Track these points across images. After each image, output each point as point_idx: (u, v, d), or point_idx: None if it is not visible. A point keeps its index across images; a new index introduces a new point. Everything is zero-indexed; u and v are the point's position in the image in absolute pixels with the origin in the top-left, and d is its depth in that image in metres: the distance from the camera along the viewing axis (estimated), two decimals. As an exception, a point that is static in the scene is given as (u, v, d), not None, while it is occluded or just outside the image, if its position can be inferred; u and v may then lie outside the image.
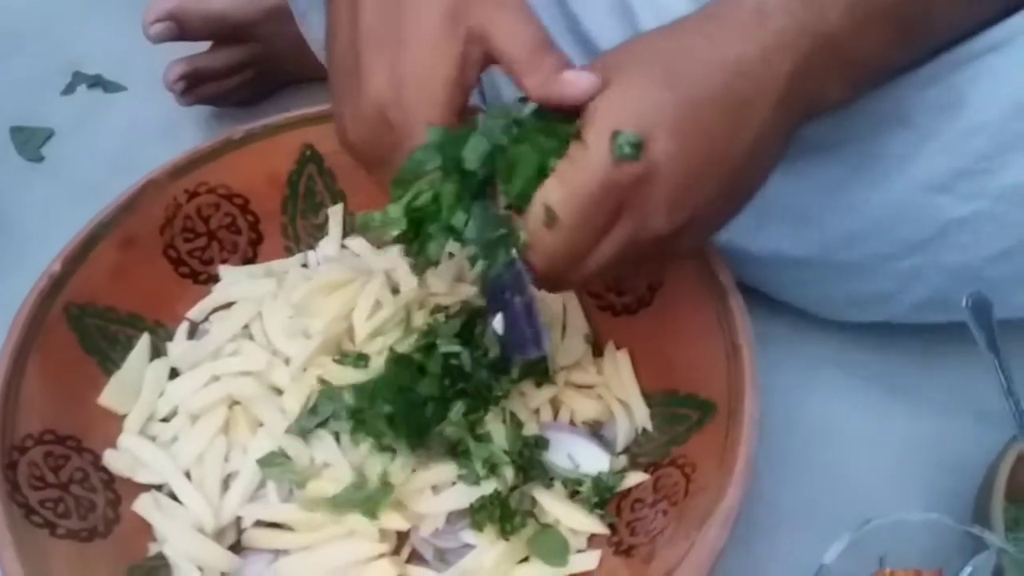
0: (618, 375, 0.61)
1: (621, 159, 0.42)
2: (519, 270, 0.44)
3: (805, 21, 0.45)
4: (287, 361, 0.59)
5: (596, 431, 0.60)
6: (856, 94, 0.50)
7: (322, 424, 0.56)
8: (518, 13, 0.45)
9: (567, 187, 0.43)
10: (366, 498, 0.53)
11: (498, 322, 0.44)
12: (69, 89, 0.89)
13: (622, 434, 0.59)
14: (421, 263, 0.48)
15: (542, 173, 0.44)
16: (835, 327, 0.68)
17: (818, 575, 0.49)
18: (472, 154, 0.45)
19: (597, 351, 0.63)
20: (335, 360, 0.59)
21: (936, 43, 0.53)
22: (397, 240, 0.47)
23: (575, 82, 0.44)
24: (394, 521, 0.53)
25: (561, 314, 0.63)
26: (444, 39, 0.45)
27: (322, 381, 0.57)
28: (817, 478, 0.62)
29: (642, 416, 0.59)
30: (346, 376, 0.58)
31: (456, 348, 0.56)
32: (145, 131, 0.85)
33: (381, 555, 0.53)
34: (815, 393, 0.66)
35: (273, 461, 0.55)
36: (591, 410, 0.60)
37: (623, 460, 0.58)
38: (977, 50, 0.52)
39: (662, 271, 0.60)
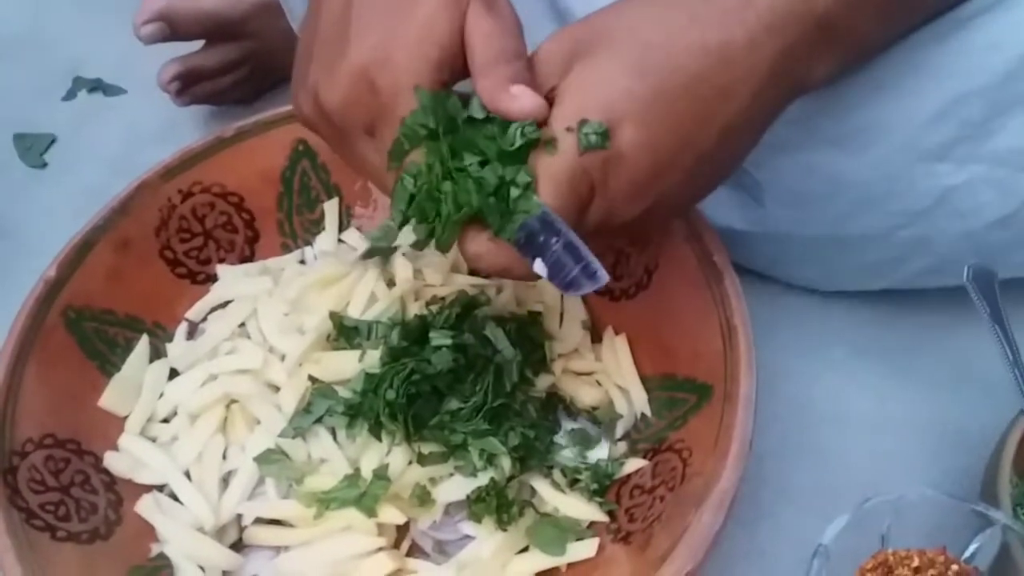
0: (616, 361, 0.60)
1: (587, 148, 0.42)
2: (545, 214, 0.43)
3: (795, 1, 0.44)
4: (283, 358, 0.59)
5: (595, 418, 0.59)
6: (844, 69, 0.50)
7: (317, 420, 0.56)
8: (502, 22, 0.44)
9: (542, 172, 0.43)
10: (363, 494, 0.53)
11: (539, 267, 0.43)
12: (70, 95, 0.89)
13: (621, 420, 0.58)
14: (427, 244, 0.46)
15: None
16: (842, 307, 0.67)
17: (816, 555, 0.48)
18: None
19: (596, 337, 0.63)
20: (332, 340, 0.59)
21: (927, 15, 0.52)
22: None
23: (518, 98, 0.43)
24: (391, 515, 0.53)
25: (558, 301, 0.63)
26: (445, 10, 0.44)
27: (313, 380, 0.57)
28: (824, 458, 0.62)
29: (641, 402, 0.59)
30: (343, 368, 0.58)
31: (448, 340, 0.55)
32: (146, 133, 0.85)
33: (380, 549, 0.53)
34: (822, 373, 0.66)
35: (270, 458, 0.55)
36: (590, 397, 0.59)
37: (623, 447, 0.58)
38: (967, 14, 0.51)
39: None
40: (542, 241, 0.43)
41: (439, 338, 0.56)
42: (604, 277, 0.43)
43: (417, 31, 0.44)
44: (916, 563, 0.49)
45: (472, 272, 0.65)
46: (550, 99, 0.44)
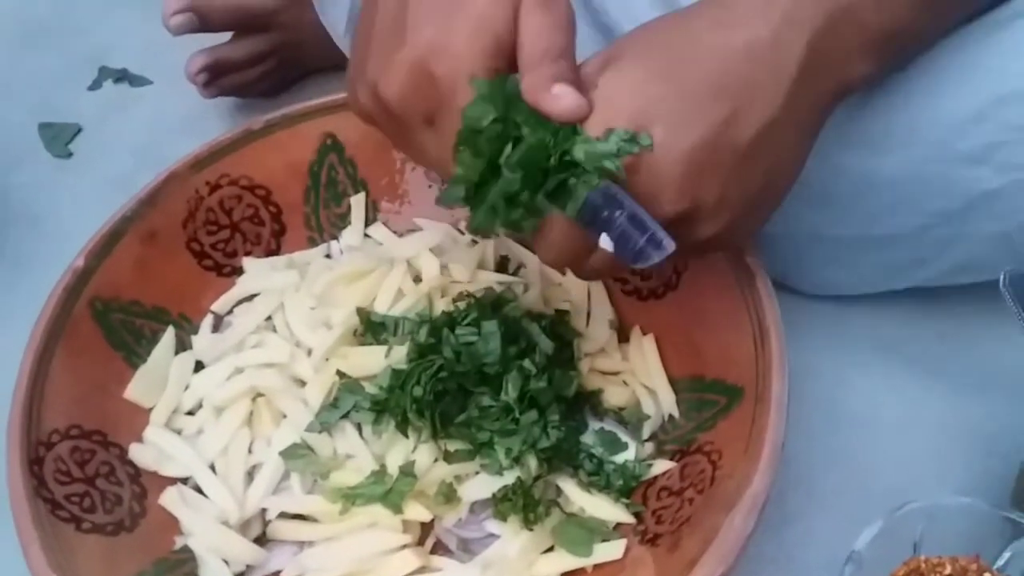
0: (644, 361, 0.60)
1: (615, 156, 0.42)
2: (607, 189, 0.42)
3: None
4: (309, 352, 0.59)
5: (622, 418, 0.58)
6: (885, 68, 0.49)
7: (344, 416, 0.55)
8: (553, 18, 0.44)
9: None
10: (389, 491, 0.53)
11: (605, 241, 0.43)
12: (96, 84, 0.89)
13: (648, 421, 0.58)
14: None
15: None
16: (870, 308, 0.66)
17: (849, 561, 0.48)
18: None
19: (623, 336, 0.62)
20: (359, 335, 0.59)
21: (966, 10, 0.51)
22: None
23: (560, 98, 0.43)
24: (417, 512, 0.53)
25: (585, 300, 0.63)
26: (500, 1, 0.44)
27: (341, 374, 0.57)
28: (853, 462, 0.61)
29: (668, 402, 0.58)
30: (369, 363, 0.57)
31: (473, 338, 0.55)
32: (171, 124, 0.85)
33: (404, 546, 0.52)
34: (852, 375, 0.65)
35: (296, 453, 0.55)
36: (617, 397, 0.59)
37: (649, 448, 0.57)
38: (1006, 16, 0.50)
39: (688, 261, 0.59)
40: (606, 216, 0.43)
41: (467, 335, 0.55)
42: (670, 245, 0.42)
43: (474, 21, 0.43)
44: (948, 570, 0.48)
45: (500, 269, 0.65)
46: None
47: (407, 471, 0.53)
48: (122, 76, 0.90)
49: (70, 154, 0.84)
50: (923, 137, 0.53)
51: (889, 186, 0.55)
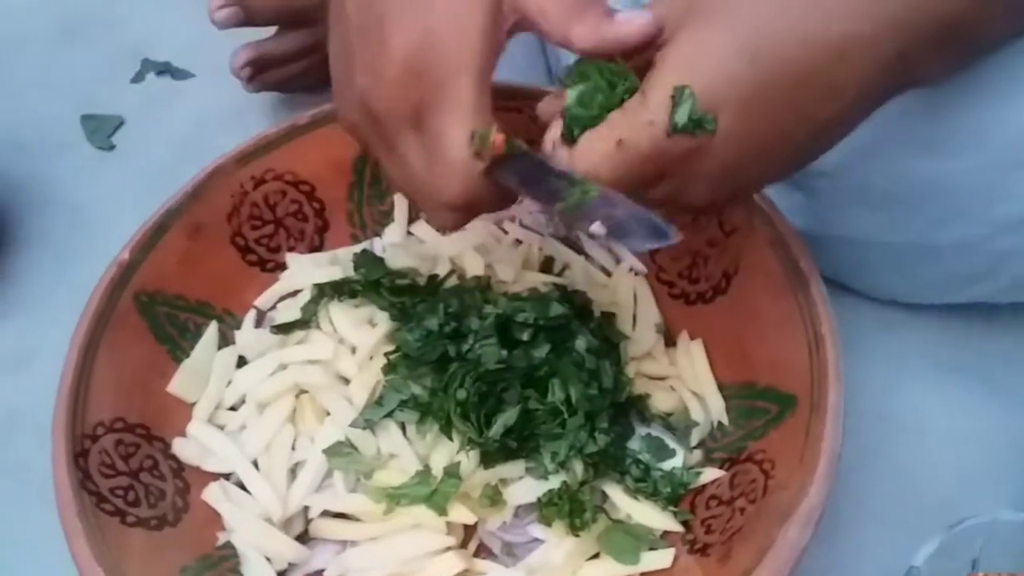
0: (692, 366, 0.59)
1: (676, 132, 0.40)
2: (601, 196, 0.40)
3: (933, 4, 0.41)
4: (353, 350, 0.58)
5: (669, 424, 0.57)
6: (954, 68, 0.48)
7: (388, 415, 0.55)
8: None
9: (615, 142, 0.41)
10: (433, 492, 0.52)
11: (597, 227, 0.40)
12: (138, 77, 0.89)
13: (697, 428, 0.57)
14: None
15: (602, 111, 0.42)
16: (925, 317, 0.65)
17: (906, 578, 0.46)
18: None
19: (670, 341, 0.61)
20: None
21: None
22: None
23: (630, 22, 0.40)
24: (461, 514, 0.52)
25: (632, 303, 0.62)
26: None
27: (386, 372, 0.56)
28: (907, 474, 0.59)
29: (718, 409, 0.57)
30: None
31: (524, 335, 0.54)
32: (214, 118, 0.84)
33: (448, 548, 0.52)
34: (905, 386, 0.63)
35: (339, 451, 0.55)
36: (664, 403, 0.58)
37: (697, 455, 0.56)
38: None
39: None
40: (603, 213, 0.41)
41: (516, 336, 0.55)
42: (671, 236, 0.39)
43: (454, 12, 0.42)
44: (1008, 589, 0.47)
45: (544, 270, 0.64)
46: (651, 60, 0.41)
47: (452, 472, 0.53)
48: (165, 69, 0.89)
49: (112, 146, 0.84)
50: (990, 141, 0.51)
51: (952, 191, 0.54)
